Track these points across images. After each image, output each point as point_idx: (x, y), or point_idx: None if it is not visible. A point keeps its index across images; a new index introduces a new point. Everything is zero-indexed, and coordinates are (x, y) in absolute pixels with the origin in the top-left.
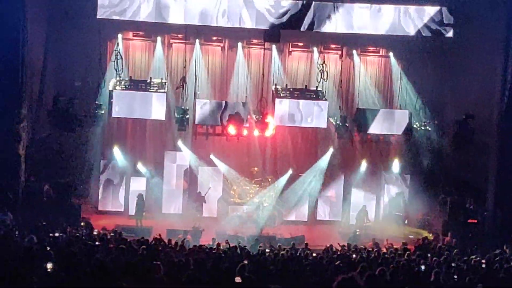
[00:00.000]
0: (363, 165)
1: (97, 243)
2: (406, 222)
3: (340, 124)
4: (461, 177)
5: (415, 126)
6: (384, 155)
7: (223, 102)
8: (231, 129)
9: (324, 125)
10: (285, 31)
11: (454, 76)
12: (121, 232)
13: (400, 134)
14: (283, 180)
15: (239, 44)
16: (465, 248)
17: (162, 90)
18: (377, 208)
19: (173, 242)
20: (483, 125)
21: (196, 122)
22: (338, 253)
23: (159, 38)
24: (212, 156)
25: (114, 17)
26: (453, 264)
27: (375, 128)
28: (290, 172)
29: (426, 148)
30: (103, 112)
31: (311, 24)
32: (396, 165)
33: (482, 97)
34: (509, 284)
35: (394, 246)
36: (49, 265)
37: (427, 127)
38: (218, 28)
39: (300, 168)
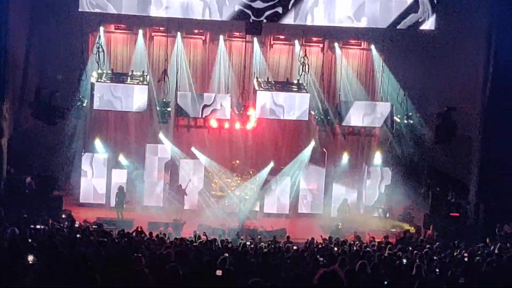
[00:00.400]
0: (345, 157)
1: (78, 235)
2: (387, 215)
3: (322, 117)
4: (443, 170)
5: (397, 118)
6: (365, 147)
7: (205, 94)
8: (213, 122)
9: (305, 118)
10: (266, 24)
11: (437, 68)
12: (102, 224)
13: (382, 126)
14: (265, 172)
15: (221, 37)
16: (447, 241)
17: (144, 83)
18: (358, 201)
19: (154, 235)
20: (465, 118)
21: (177, 114)
22: (320, 246)
23: (140, 31)
24: (193, 149)
25: (96, 10)
26: (435, 258)
27: (357, 120)
28: (271, 164)
29: (408, 141)
30: (85, 104)
31: (292, 17)
32: (378, 158)
33: (465, 89)
34: (492, 277)
35: (376, 240)
36: (31, 258)
37: (409, 120)
38: (199, 21)
39: (282, 161)
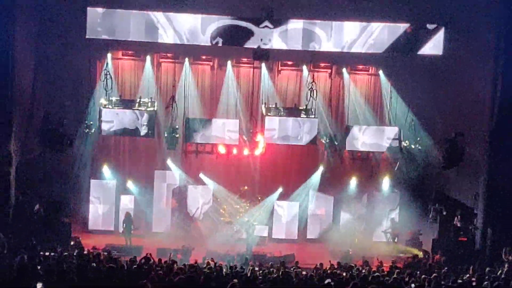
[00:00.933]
0: (353, 182)
1: (87, 262)
2: (396, 240)
3: (330, 141)
4: (451, 194)
5: (404, 143)
6: (374, 172)
7: (213, 120)
8: (221, 148)
9: (314, 143)
10: (274, 50)
11: (445, 92)
12: (111, 251)
13: (390, 151)
14: (273, 198)
15: (229, 62)
16: (455, 266)
17: (151, 109)
18: (367, 226)
19: (163, 261)
20: (473, 142)
21: (186, 140)
22: (328, 271)
23: (148, 57)
24: (201, 175)
25: (103, 37)
26: (442, 283)
27: (365, 145)
28: (280, 190)
29: (416, 165)
30: (93, 131)
31: (300, 43)
32: (386, 183)
33: (473, 113)
34: None
35: (384, 265)
36: (39, 286)
37: (417, 145)
38: (207, 47)
39: (291, 186)
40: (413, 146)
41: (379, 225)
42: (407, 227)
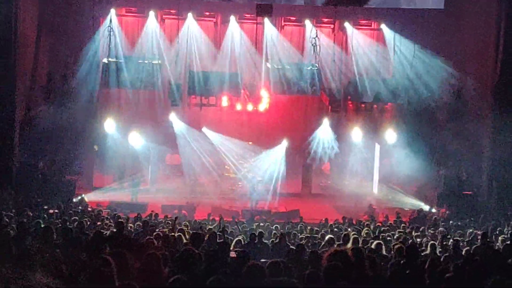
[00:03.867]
0: (358, 135)
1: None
2: (401, 192)
3: (334, 94)
4: (456, 148)
5: (410, 96)
6: (378, 124)
7: (216, 72)
8: (224, 101)
9: (317, 94)
10: (277, 5)
11: (448, 48)
12: (115, 209)
13: (395, 103)
14: (278, 150)
15: (232, 18)
16: (460, 220)
17: (156, 62)
18: (371, 178)
19: (169, 217)
20: (477, 95)
21: (189, 93)
22: (334, 227)
23: (151, 13)
24: (204, 129)
25: None
26: (448, 236)
27: (369, 97)
28: (285, 143)
29: (421, 119)
30: (97, 87)
31: None
32: (391, 135)
33: (477, 69)
34: (505, 255)
35: (390, 218)
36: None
37: (422, 97)
38: (210, 3)
39: (295, 139)
40: (418, 99)
41: (384, 177)
42: (411, 180)
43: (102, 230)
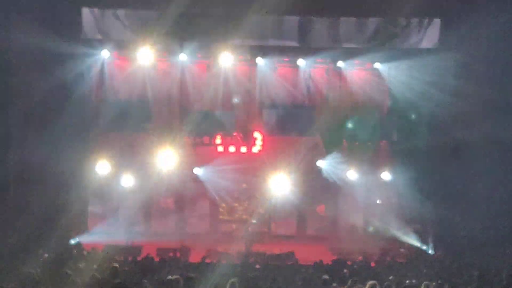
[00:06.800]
0: (353, 175)
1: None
2: (396, 233)
3: (329, 134)
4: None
5: (405, 132)
6: (374, 163)
7: (209, 113)
8: (218, 141)
9: (312, 135)
10: (270, 46)
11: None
12: (110, 252)
13: (390, 142)
14: (272, 194)
15: (225, 58)
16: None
17: (149, 103)
18: (368, 219)
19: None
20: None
21: (183, 134)
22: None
23: (143, 55)
24: (196, 170)
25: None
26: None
27: (364, 135)
28: (279, 185)
29: (416, 156)
30: (90, 127)
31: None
32: (386, 174)
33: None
34: None
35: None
36: None
37: (418, 135)
38: (203, 45)
39: (290, 181)
40: (413, 136)
41: (376, 218)
42: (407, 220)
43: (96, 274)
